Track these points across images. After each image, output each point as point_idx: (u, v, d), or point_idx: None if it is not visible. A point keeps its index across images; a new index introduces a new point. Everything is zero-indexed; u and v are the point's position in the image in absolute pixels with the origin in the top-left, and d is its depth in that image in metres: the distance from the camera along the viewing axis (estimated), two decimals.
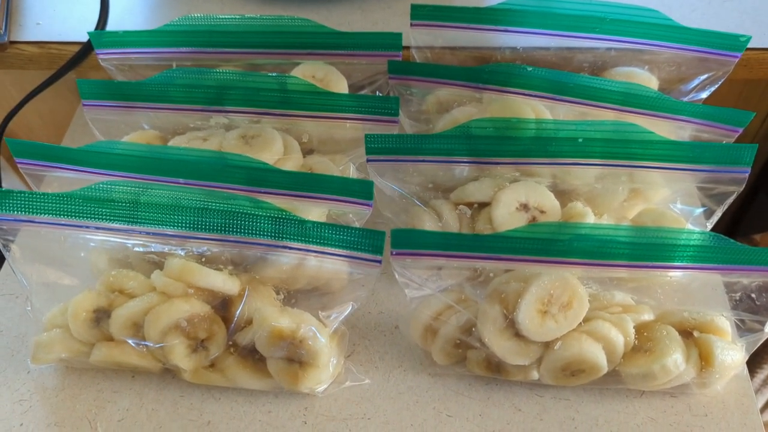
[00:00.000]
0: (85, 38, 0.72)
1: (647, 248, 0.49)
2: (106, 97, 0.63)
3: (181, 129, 0.64)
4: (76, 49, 0.72)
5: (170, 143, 0.63)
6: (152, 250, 0.53)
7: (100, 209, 0.51)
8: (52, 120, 0.88)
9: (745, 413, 0.54)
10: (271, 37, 0.67)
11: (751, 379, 1.01)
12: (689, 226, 0.58)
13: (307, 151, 0.64)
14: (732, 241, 0.48)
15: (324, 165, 0.62)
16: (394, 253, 0.50)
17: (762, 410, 1.09)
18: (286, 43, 0.67)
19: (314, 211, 0.56)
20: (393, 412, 0.54)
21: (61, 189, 0.54)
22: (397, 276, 0.51)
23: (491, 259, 0.50)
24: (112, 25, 0.75)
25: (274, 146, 0.60)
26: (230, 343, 0.53)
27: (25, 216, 0.51)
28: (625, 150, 0.56)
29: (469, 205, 0.58)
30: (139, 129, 0.65)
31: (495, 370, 0.53)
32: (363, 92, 0.68)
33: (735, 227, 1.01)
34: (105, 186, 0.52)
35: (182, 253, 0.52)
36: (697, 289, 0.55)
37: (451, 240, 0.50)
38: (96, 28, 0.74)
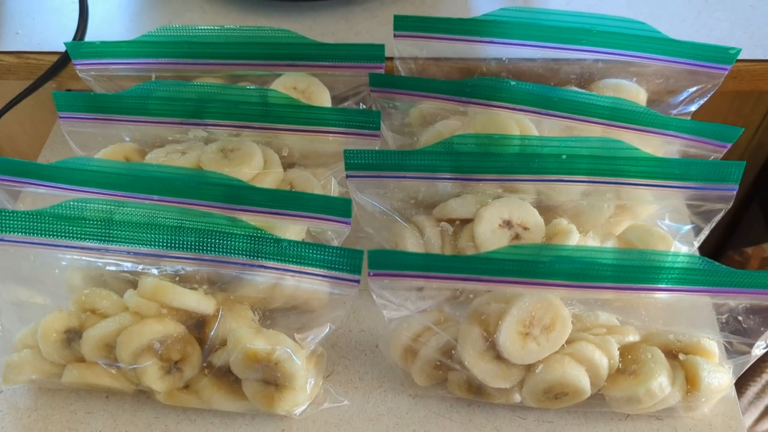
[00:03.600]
0: (63, 48, 0.71)
1: (632, 270, 0.48)
2: (83, 110, 0.62)
3: (160, 142, 0.63)
4: (55, 59, 0.71)
5: (148, 156, 0.61)
6: (125, 269, 0.51)
7: (71, 227, 0.50)
8: (34, 130, 0.87)
9: None
10: (252, 48, 0.65)
11: (745, 392, 1.00)
12: (676, 243, 0.57)
13: (288, 165, 0.63)
14: (718, 264, 0.47)
15: (305, 179, 0.60)
16: (371, 273, 0.49)
17: (757, 421, 1.08)
18: (267, 54, 0.65)
19: (292, 229, 0.55)
20: None
21: (35, 205, 0.53)
22: (374, 297, 0.50)
23: (472, 280, 0.49)
24: (91, 35, 0.74)
25: (254, 160, 0.59)
26: (205, 364, 0.52)
27: None
28: (611, 166, 0.54)
29: (452, 221, 0.57)
30: (116, 142, 0.63)
31: (476, 392, 0.52)
32: (346, 104, 0.67)
33: (726, 240, 1.00)
34: (77, 204, 0.51)
35: (156, 272, 0.51)
36: (683, 310, 0.54)
37: (430, 261, 0.49)
38: (74, 38, 0.72)
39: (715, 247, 1.02)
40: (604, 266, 0.47)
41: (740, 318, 0.50)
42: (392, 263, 0.49)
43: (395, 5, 0.76)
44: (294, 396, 0.51)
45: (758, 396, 1.00)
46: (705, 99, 0.64)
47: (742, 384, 0.99)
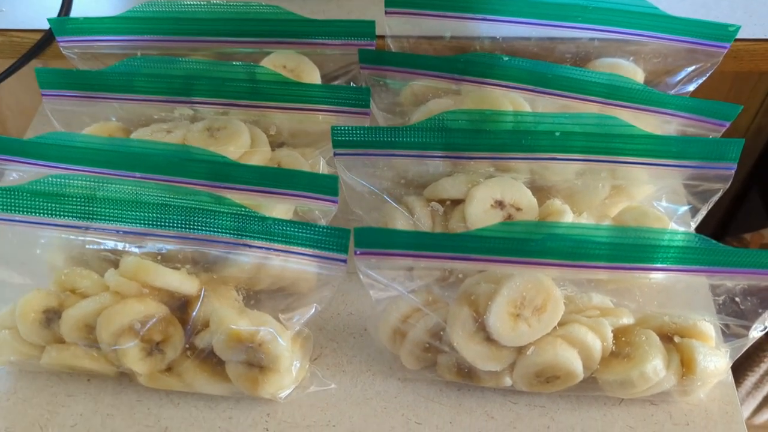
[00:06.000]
0: (48, 26, 0.69)
1: (627, 249, 0.46)
2: (67, 87, 0.61)
3: (145, 120, 0.61)
4: (40, 36, 0.69)
5: (133, 135, 0.60)
6: (107, 247, 0.50)
7: (51, 204, 0.49)
8: (20, 111, 0.85)
9: (729, 422, 0.51)
10: (240, 25, 0.64)
11: (743, 382, 0.99)
12: (673, 225, 0.56)
13: (277, 144, 0.61)
14: (715, 242, 0.46)
15: (293, 158, 0.59)
16: (358, 252, 0.47)
17: (755, 412, 1.07)
18: (256, 31, 0.64)
19: (278, 208, 0.53)
20: (359, 419, 0.52)
21: (17, 183, 0.51)
22: (361, 277, 0.49)
23: (462, 259, 0.47)
24: (76, 12, 0.72)
25: (240, 139, 0.58)
26: (187, 346, 0.51)
27: None
28: (607, 144, 0.53)
29: (442, 202, 0.55)
30: (101, 120, 0.62)
31: (466, 375, 0.51)
32: (336, 83, 0.66)
33: (725, 226, 0.98)
34: (57, 180, 0.50)
35: (138, 252, 0.50)
36: (679, 292, 0.53)
37: (419, 239, 0.47)
38: (59, 15, 0.71)
39: (713, 233, 1.01)
40: (598, 245, 0.46)
41: (737, 299, 0.48)
42: (379, 242, 0.47)
43: None
44: (279, 378, 0.50)
45: (756, 386, 0.99)
46: (703, 78, 0.63)
47: (740, 374, 0.98)
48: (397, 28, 0.65)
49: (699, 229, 0.58)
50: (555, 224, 0.49)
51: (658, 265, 0.46)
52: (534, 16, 0.61)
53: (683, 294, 0.53)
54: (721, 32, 0.60)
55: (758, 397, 1.02)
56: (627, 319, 0.50)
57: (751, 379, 0.98)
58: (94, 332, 0.49)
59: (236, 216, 0.48)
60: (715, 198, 0.54)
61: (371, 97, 0.58)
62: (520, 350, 0.48)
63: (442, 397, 0.53)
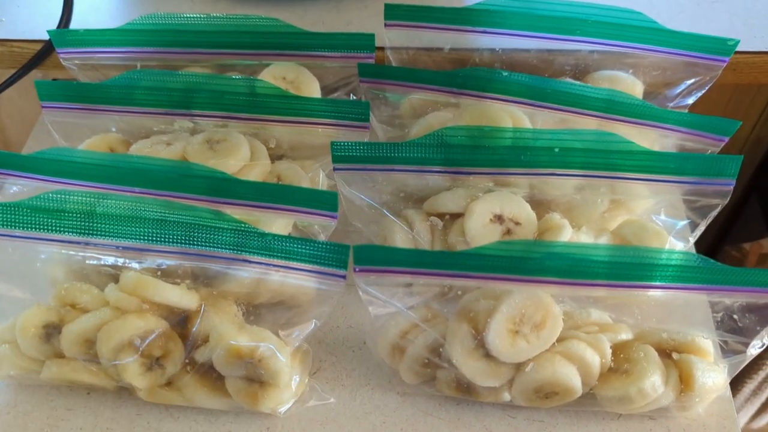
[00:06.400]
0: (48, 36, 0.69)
1: (626, 267, 0.46)
2: (66, 99, 0.61)
3: (145, 132, 0.62)
4: (40, 47, 0.69)
5: (133, 147, 0.60)
6: (107, 263, 0.50)
7: (51, 220, 0.49)
8: (21, 120, 0.85)
9: None
10: (240, 37, 0.64)
11: (741, 389, 0.99)
12: (671, 239, 0.56)
13: (276, 157, 0.61)
14: (713, 261, 0.46)
15: (293, 171, 0.59)
16: (357, 269, 0.48)
17: (753, 418, 1.07)
18: (255, 43, 0.64)
19: (278, 223, 0.53)
20: None
21: (15, 198, 0.51)
22: (360, 293, 0.49)
23: (460, 276, 0.47)
24: (76, 23, 0.72)
25: (240, 151, 0.58)
26: (187, 361, 0.51)
27: None
28: (606, 160, 0.53)
29: (441, 216, 0.55)
30: (101, 132, 0.62)
31: (465, 391, 0.51)
32: (336, 95, 0.66)
33: (725, 235, 0.99)
34: (57, 195, 0.50)
35: (138, 267, 0.50)
36: (678, 308, 0.53)
37: (417, 257, 0.47)
38: (59, 26, 0.71)
39: (713, 243, 1.01)
40: (597, 263, 0.46)
41: (736, 316, 0.49)
42: (378, 259, 0.47)
43: None
44: (278, 393, 0.50)
45: (755, 393, 0.99)
46: (703, 91, 0.63)
47: (738, 381, 0.98)
48: (397, 40, 0.65)
49: (698, 239, 0.58)
50: (553, 243, 0.49)
51: (657, 284, 0.47)
52: (533, 29, 0.61)
53: (682, 310, 0.53)
54: (720, 46, 0.60)
55: (756, 404, 1.02)
56: (626, 335, 0.51)
57: (749, 386, 0.98)
58: (94, 347, 0.50)
59: (236, 231, 0.49)
60: (714, 213, 0.54)
61: (371, 109, 0.59)
62: (519, 366, 0.49)
63: (441, 411, 0.53)
